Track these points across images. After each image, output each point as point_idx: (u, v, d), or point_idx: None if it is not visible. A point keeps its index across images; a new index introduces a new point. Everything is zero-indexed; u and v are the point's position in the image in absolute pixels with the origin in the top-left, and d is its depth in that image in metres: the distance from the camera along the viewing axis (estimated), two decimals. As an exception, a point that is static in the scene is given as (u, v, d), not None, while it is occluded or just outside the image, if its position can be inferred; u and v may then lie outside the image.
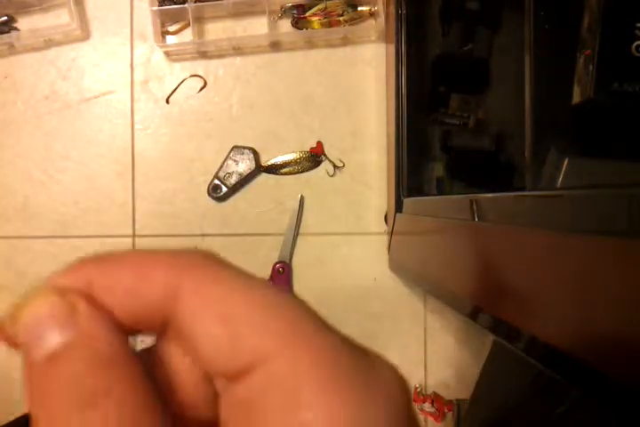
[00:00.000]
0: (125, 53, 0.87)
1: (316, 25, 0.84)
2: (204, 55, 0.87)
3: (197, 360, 0.14)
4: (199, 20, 0.86)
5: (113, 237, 0.87)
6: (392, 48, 0.72)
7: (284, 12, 0.84)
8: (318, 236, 0.87)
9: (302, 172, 0.86)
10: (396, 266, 0.83)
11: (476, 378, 0.49)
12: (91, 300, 0.14)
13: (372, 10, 0.83)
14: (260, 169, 0.86)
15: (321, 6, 0.83)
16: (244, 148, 0.85)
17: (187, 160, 0.87)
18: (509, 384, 0.43)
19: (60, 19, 0.86)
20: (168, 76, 0.87)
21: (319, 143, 0.86)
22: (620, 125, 0.46)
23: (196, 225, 0.87)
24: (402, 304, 0.87)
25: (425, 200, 0.64)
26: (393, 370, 0.14)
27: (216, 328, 0.14)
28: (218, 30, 0.87)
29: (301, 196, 0.86)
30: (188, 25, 0.85)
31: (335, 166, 0.86)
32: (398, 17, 0.70)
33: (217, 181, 0.85)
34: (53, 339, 0.13)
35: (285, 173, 0.86)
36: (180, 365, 0.15)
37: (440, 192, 0.71)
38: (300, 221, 0.86)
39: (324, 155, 0.86)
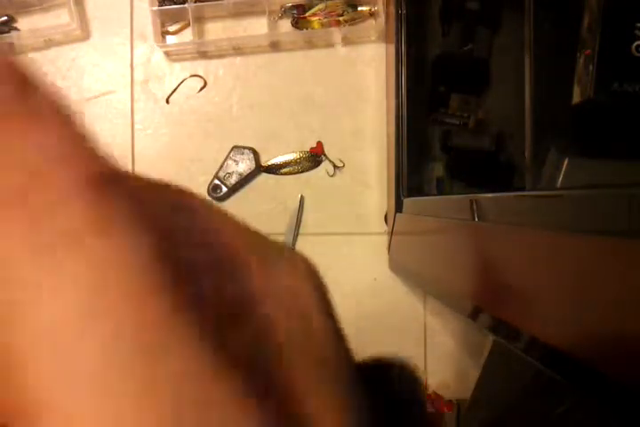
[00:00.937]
0: (125, 53, 0.87)
1: (315, 25, 0.84)
2: (203, 55, 0.87)
3: None
4: (199, 20, 0.86)
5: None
6: (392, 48, 0.72)
7: (284, 12, 0.84)
8: (318, 236, 0.87)
9: (302, 172, 0.86)
10: (396, 266, 0.83)
11: (476, 378, 0.49)
12: None
13: (372, 10, 0.83)
14: (260, 169, 0.86)
15: (321, 6, 0.83)
16: (244, 148, 0.85)
17: (187, 160, 0.87)
18: (509, 384, 0.43)
19: (59, 19, 0.86)
20: (168, 76, 0.87)
21: (319, 143, 0.86)
22: (620, 125, 0.46)
23: (196, 225, 0.87)
24: (401, 304, 0.87)
25: (425, 200, 0.64)
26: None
27: None
28: (218, 30, 0.87)
29: (301, 196, 0.86)
30: (188, 25, 0.85)
31: (335, 166, 0.86)
32: (398, 17, 0.70)
33: (217, 181, 0.85)
34: None
35: (285, 173, 0.86)
36: None
37: (440, 192, 0.71)
38: (300, 221, 0.86)
39: (324, 155, 0.86)
